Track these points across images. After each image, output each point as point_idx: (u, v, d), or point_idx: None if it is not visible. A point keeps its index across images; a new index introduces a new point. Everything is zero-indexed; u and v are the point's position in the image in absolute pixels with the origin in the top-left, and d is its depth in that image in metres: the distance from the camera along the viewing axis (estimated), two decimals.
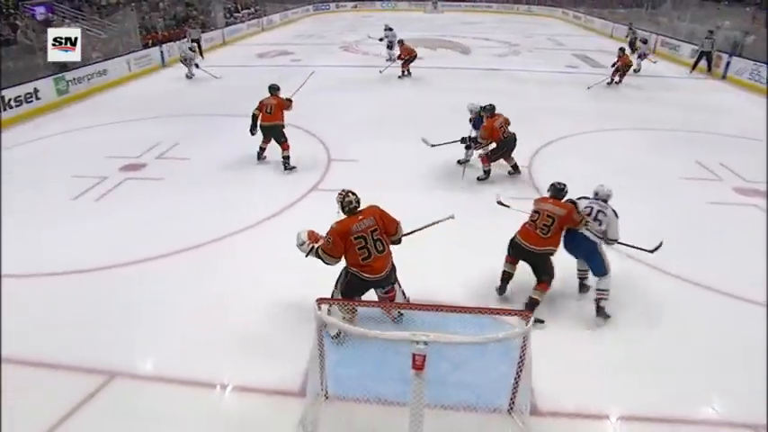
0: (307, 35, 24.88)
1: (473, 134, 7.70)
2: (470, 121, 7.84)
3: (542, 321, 4.53)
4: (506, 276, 4.88)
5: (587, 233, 4.61)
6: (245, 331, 4.49)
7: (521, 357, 3.27)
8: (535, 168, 8.06)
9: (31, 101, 11.31)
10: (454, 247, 5.75)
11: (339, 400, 3.69)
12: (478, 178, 7.65)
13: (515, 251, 4.70)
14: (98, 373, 4.00)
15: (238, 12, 26.31)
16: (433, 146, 7.72)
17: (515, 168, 7.78)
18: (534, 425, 3.48)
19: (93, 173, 7.89)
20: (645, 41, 16.63)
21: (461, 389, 3.73)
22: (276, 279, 5.15)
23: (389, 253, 4.19)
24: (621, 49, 14.06)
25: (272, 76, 11.28)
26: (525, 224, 4.67)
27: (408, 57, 14.40)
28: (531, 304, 4.55)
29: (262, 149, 8.14)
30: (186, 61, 14.67)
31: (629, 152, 8.97)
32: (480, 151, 7.58)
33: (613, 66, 14.04)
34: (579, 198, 4.85)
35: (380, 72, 14.87)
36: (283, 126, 7.80)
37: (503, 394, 3.58)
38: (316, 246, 4.14)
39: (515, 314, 3.21)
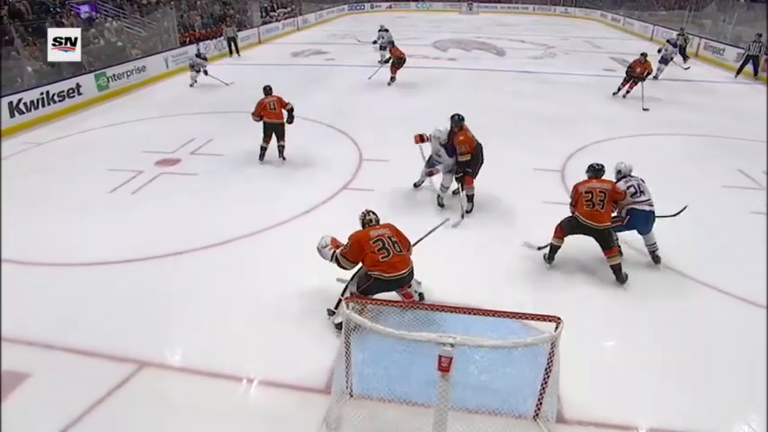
0: (341, 35, 25.03)
1: (438, 156, 6.68)
2: (443, 145, 6.58)
3: (626, 277, 5.13)
4: (556, 249, 5.36)
5: (647, 207, 5.24)
6: (273, 326, 4.53)
7: (548, 363, 3.20)
8: (569, 172, 7.91)
9: (74, 96, 11.69)
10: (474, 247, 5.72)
11: (364, 399, 3.69)
12: (468, 211, 6.59)
13: (580, 230, 5.14)
14: (129, 362, 4.10)
15: (274, 11, 26.63)
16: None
17: (456, 192, 6.91)
18: None
19: (130, 167, 8.10)
20: (675, 45, 15.59)
21: (487, 393, 3.69)
22: (305, 276, 5.18)
23: (409, 257, 4.32)
24: (644, 54, 12.39)
25: (306, 75, 11.41)
26: (583, 206, 5.05)
27: (398, 60, 13.50)
28: (618, 269, 5.12)
29: (264, 149, 8.28)
30: (194, 68, 13.73)
31: (668, 158, 8.71)
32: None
33: (629, 73, 12.36)
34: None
35: (369, 78, 14.05)
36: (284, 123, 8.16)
37: (529, 400, 3.52)
38: (336, 251, 4.36)
39: (544, 319, 3.15)
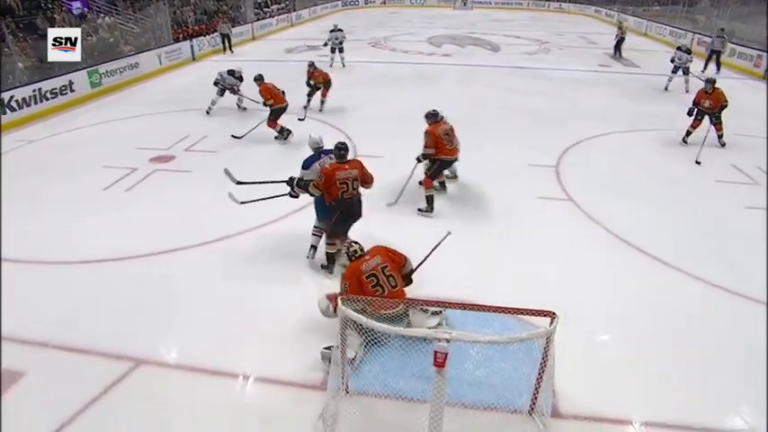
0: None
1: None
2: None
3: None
4: (433, 197, 6.49)
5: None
6: (271, 324, 4.52)
7: (543, 358, 3.21)
8: (563, 168, 7.93)
9: (66, 93, 11.62)
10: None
11: (359, 395, 3.70)
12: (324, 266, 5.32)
13: (444, 167, 6.65)
14: (124, 360, 4.09)
15: (268, 6, 26.51)
16: (239, 183, 5.70)
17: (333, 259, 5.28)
18: (555, 427, 3.43)
19: (124, 164, 8.06)
20: (689, 51, 13.18)
21: (482, 388, 3.70)
22: (302, 272, 5.18)
23: (403, 290, 4.18)
24: (711, 81, 9.00)
25: (300, 71, 11.40)
26: (446, 146, 6.32)
27: (324, 83, 10.86)
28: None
29: (281, 129, 9.09)
30: (225, 90, 10.77)
31: (661, 154, 8.77)
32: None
33: (697, 108, 9.01)
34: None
35: (300, 120, 10.07)
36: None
37: (524, 395, 3.53)
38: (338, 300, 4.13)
39: (539, 314, 3.16)
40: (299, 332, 4.41)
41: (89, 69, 12.40)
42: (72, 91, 11.76)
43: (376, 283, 4.01)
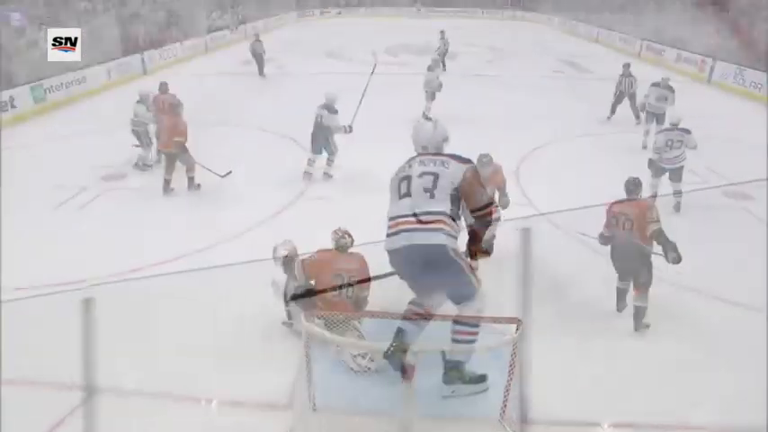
0: (291, 42, 24.79)
1: None
2: None
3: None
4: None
5: None
6: (233, 344, 4.40)
7: (511, 365, 3.21)
8: (523, 173, 8.05)
9: (7, 109, 11.09)
10: None
11: (328, 411, 3.61)
12: None
13: None
14: (79, 390, 3.87)
15: (221, 19, 26.02)
16: None
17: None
18: None
19: (74, 182, 7.76)
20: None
21: (451, 397, 3.67)
22: (264, 291, 5.05)
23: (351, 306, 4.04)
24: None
25: (259, 84, 11.20)
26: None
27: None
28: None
29: None
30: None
31: (615, 157, 8.97)
32: None
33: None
34: None
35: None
36: None
37: (494, 402, 3.52)
38: (297, 259, 4.09)
39: (504, 321, 3.16)
40: (264, 353, 4.29)
41: (32, 85, 11.88)
42: (13, 107, 11.23)
43: (338, 286, 3.89)
